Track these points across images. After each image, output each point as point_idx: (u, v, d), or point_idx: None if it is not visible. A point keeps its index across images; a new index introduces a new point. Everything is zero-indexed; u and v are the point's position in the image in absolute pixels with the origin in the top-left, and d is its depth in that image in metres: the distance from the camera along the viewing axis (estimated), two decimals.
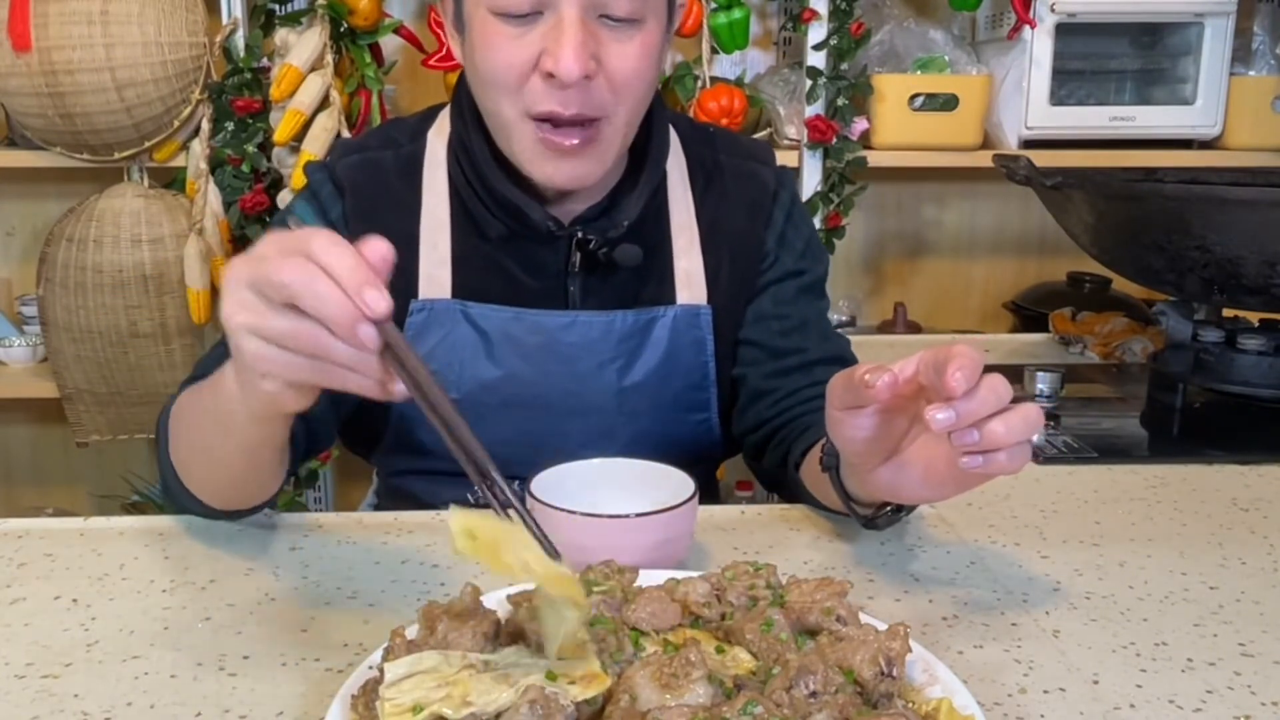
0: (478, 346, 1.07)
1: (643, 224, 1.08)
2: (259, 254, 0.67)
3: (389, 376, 0.67)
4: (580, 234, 1.06)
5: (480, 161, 1.05)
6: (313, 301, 0.64)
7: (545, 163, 1.00)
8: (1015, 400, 0.72)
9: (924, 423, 0.73)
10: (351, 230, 1.06)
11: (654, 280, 1.10)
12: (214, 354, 1.04)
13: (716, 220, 1.12)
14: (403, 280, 1.06)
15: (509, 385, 1.07)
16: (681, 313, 1.10)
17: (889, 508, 0.87)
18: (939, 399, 0.70)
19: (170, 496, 0.96)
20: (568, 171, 1.01)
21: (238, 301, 0.68)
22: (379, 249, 0.66)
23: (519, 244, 1.07)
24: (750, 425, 1.11)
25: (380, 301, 0.64)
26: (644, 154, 1.08)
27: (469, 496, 1.10)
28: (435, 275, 1.07)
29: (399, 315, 1.06)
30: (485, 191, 1.06)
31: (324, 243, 0.65)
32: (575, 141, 0.98)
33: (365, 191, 1.08)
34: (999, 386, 0.71)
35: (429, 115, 1.15)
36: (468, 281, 1.08)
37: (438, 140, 1.11)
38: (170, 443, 0.92)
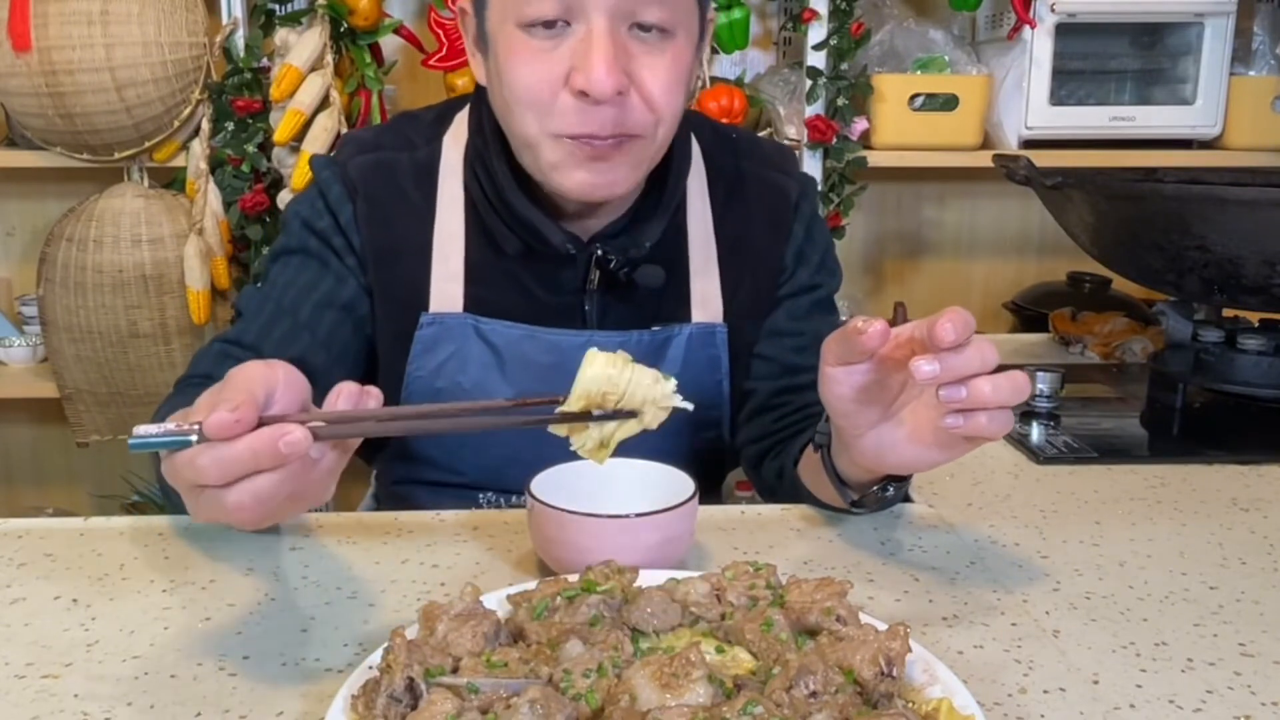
0: (489, 362, 1.05)
1: (662, 242, 1.05)
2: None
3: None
4: (600, 252, 1.03)
5: (500, 180, 1.02)
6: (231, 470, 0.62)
7: (576, 169, 0.95)
8: None
9: (914, 388, 0.74)
10: (363, 235, 1.05)
11: (671, 298, 1.08)
12: (209, 352, 1.03)
13: (736, 235, 1.11)
14: (414, 292, 1.05)
15: None
16: (697, 331, 1.09)
17: (876, 487, 0.87)
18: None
19: (171, 502, 0.95)
20: (601, 178, 0.96)
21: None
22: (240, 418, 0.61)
23: (536, 260, 1.05)
24: (754, 436, 1.10)
25: (297, 440, 0.61)
26: (665, 171, 1.04)
27: (480, 499, 1.10)
28: (447, 289, 1.05)
29: (408, 326, 1.05)
30: (503, 208, 1.03)
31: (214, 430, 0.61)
32: (610, 143, 0.94)
33: (379, 196, 1.05)
34: (986, 350, 0.72)
35: (445, 115, 1.11)
36: (481, 296, 1.05)
37: (453, 148, 1.08)
38: None
